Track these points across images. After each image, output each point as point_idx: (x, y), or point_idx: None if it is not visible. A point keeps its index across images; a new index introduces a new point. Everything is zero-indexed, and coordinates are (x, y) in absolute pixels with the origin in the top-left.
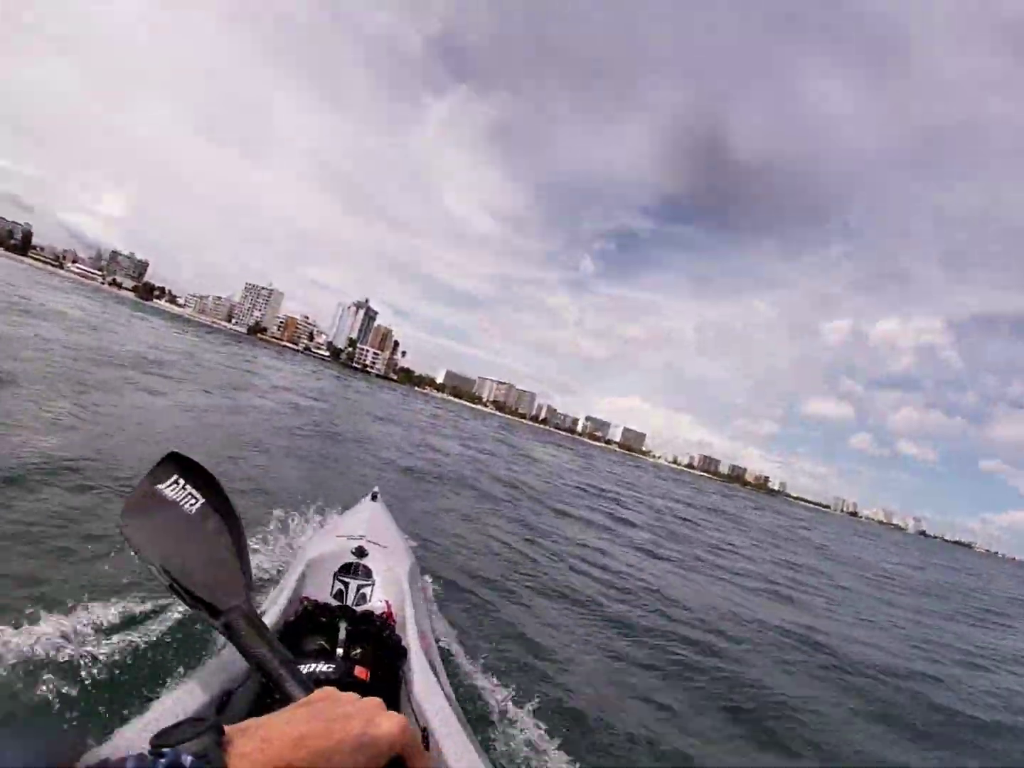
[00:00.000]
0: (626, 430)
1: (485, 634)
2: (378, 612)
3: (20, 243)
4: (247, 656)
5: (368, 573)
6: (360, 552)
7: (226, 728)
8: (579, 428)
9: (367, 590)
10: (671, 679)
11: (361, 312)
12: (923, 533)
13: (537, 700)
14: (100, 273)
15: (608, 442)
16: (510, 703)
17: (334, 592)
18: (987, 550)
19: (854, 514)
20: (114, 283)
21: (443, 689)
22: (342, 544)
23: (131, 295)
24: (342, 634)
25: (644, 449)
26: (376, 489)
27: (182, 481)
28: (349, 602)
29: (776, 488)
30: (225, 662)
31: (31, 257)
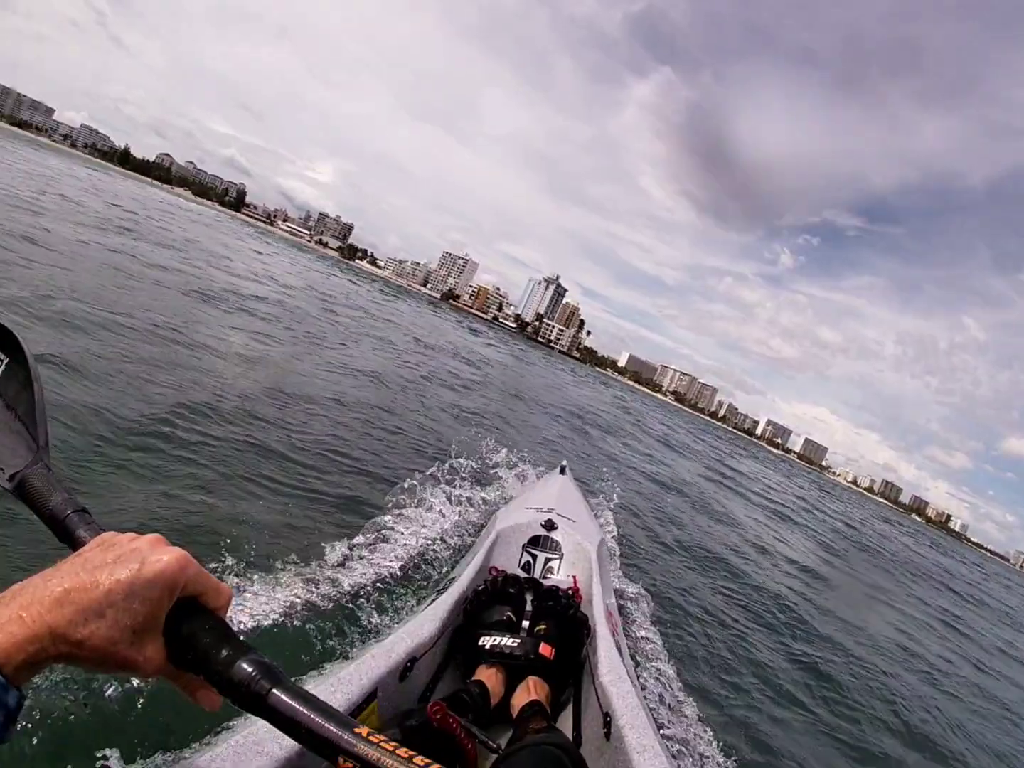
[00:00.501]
0: (808, 441)
1: (677, 626)
2: (564, 587)
3: (234, 201)
4: (40, 514)
5: (556, 546)
6: (549, 525)
7: None
8: (758, 431)
9: (555, 563)
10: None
11: (551, 288)
12: None
13: (722, 716)
14: (308, 232)
15: (787, 451)
16: (695, 708)
17: (522, 564)
18: None
19: None
20: (320, 242)
21: (628, 674)
22: (532, 516)
23: (335, 254)
24: (528, 607)
25: (824, 464)
26: (564, 463)
27: None
28: (536, 574)
29: (956, 529)
30: (411, 632)
31: (244, 214)
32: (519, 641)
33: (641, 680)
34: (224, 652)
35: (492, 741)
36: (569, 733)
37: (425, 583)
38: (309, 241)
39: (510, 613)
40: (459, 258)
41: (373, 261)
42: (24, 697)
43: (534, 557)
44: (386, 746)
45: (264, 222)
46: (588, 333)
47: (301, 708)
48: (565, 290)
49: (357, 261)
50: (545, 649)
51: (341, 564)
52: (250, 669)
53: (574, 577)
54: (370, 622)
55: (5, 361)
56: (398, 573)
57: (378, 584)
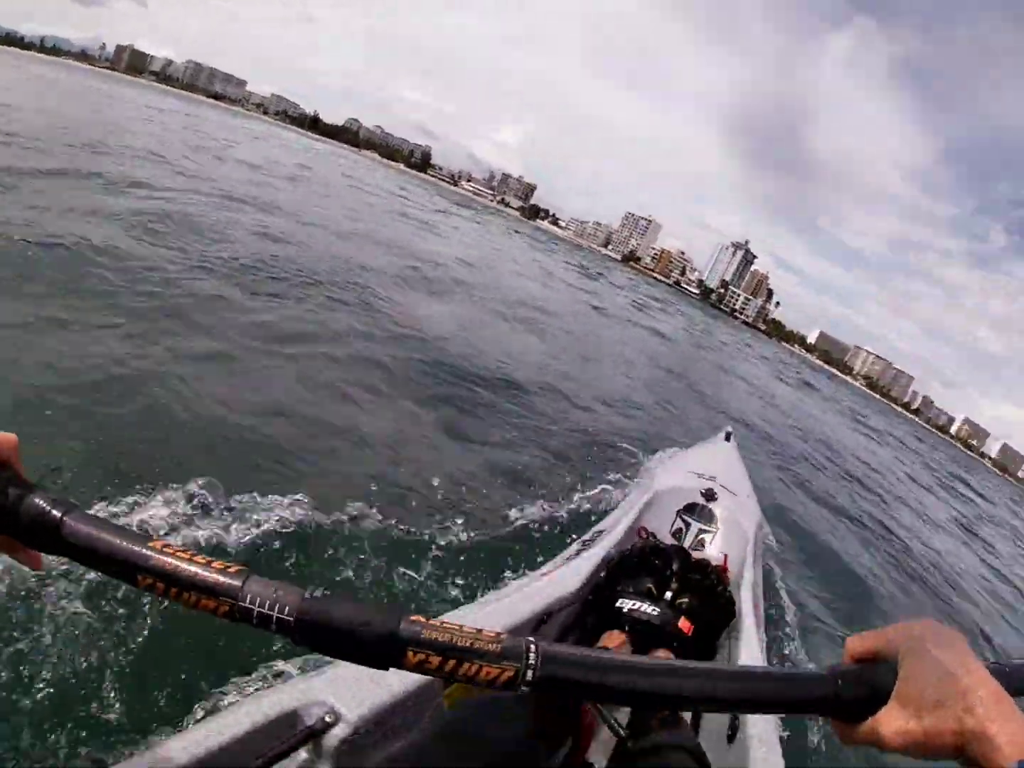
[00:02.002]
0: (1005, 446)
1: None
2: (714, 563)
3: (420, 162)
4: None
5: (712, 518)
6: (709, 495)
7: None
8: (952, 428)
9: (707, 536)
10: None
11: (739, 254)
12: None
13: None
14: (491, 192)
15: (982, 455)
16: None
17: (673, 529)
18: None
19: None
20: (502, 201)
21: None
22: (692, 481)
23: (516, 213)
24: (673, 582)
25: (1021, 475)
26: (730, 429)
27: None
28: (686, 543)
29: None
30: (553, 583)
31: (429, 174)
32: (659, 611)
33: None
34: (10, 496)
35: (615, 719)
36: (689, 722)
37: (574, 535)
38: (491, 200)
39: (651, 584)
40: (642, 219)
41: (555, 221)
42: None
43: (687, 525)
44: (182, 554)
45: (448, 182)
46: (777, 304)
47: (95, 532)
48: (754, 256)
49: (539, 221)
50: (684, 624)
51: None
52: (39, 502)
53: (725, 555)
54: (514, 567)
55: None
56: (555, 520)
57: (533, 528)
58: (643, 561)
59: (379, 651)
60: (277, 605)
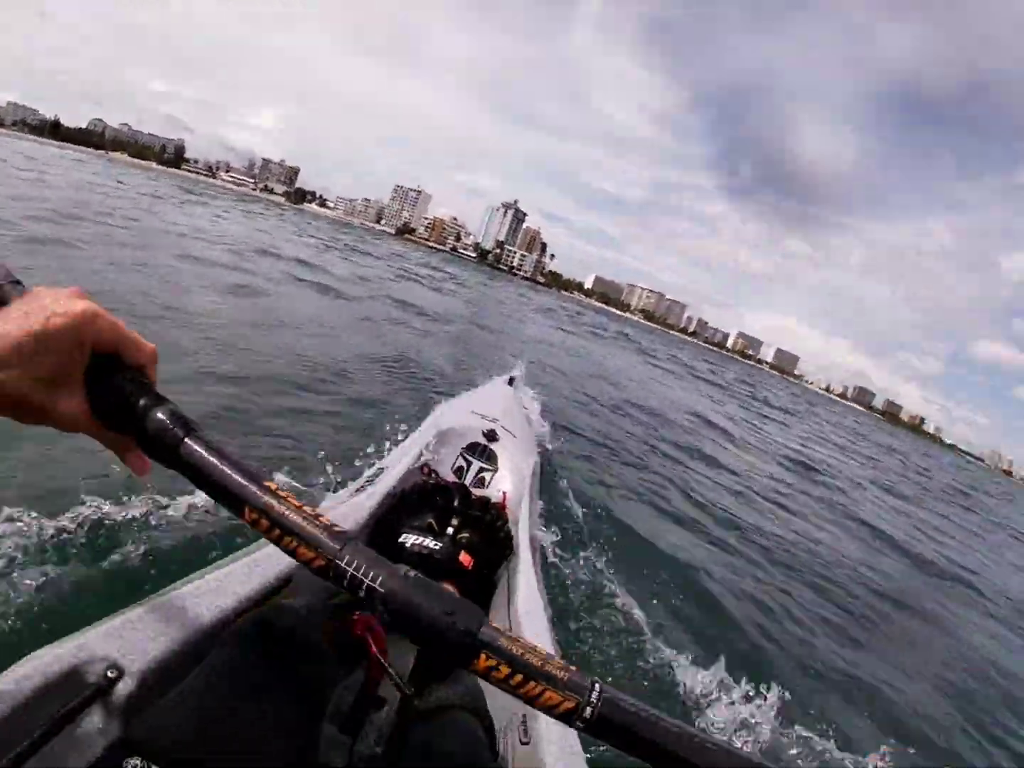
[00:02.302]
0: (779, 351)
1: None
2: (493, 501)
3: (173, 157)
4: None
5: (493, 458)
6: (491, 435)
7: None
8: (729, 344)
9: (487, 475)
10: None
11: (510, 213)
12: None
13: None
14: (252, 181)
15: (759, 361)
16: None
17: (455, 468)
18: None
19: (1008, 472)
20: (265, 188)
21: (544, 607)
22: (475, 422)
23: (282, 199)
24: (454, 518)
25: (797, 372)
26: (515, 373)
27: None
28: (467, 481)
29: (931, 432)
30: (335, 520)
31: (184, 169)
32: (440, 545)
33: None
34: (141, 403)
35: (398, 675)
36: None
37: (356, 474)
38: (254, 189)
39: (433, 520)
40: (411, 190)
41: (323, 203)
42: None
43: (468, 464)
44: (292, 501)
45: (206, 175)
46: (552, 257)
47: (211, 459)
48: (524, 215)
49: (305, 204)
50: (465, 558)
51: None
52: (164, 418)
53: (504, 494)
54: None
55: None
56: (330, 460)
57: (299, 468)
58: (425, 497)
59: (456, 648)
60: (371, 574)
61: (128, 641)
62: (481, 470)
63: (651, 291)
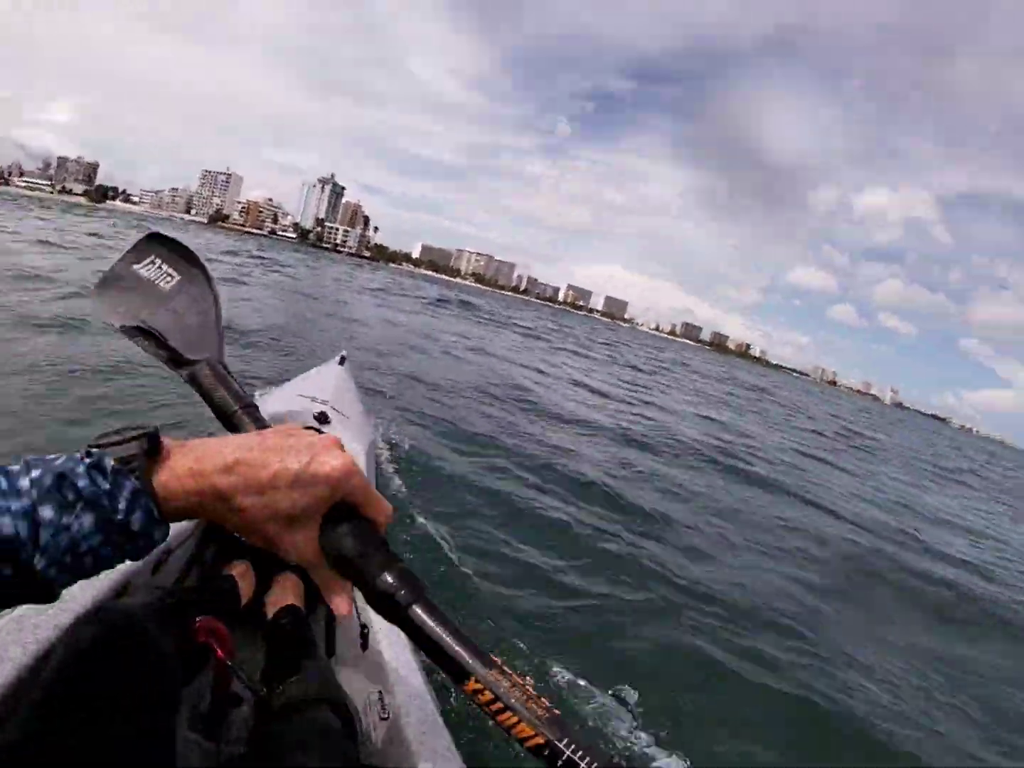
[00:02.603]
0: (608, 298)
1: (451, 531)
2: None
3: None
4: (210, 403)
5: None
6: (322, 418)
7: (166, 440)
8: (560, 297)
9: None
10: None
11: (327, 188)
12: (900, 404)
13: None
14: (49, 183)
15: (591, 310)
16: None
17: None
18: (962, 426)
19: (833, 383)
20: (63, 190)
21: None
22: (304, 405)
23: (82, 200)
24: None
25: (627, 317)
26: (344, 353)
27: (159, 261)
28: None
29: (758, 356)
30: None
31: None
32: None
33: None
34: (374, 559)
35: (250, 678)
36: (322, 638)
37: None
38: (51, 192)
39: None
40: (221, 174)
41: (127, 198)
42: (167, 535)
43: None
44: (516, 678)
45: None
46: (376, 230)
47: (438, 628)
48: (343, 188)
49: (108, 202)
50: None
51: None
52: (394, 581)
53: None
54: None
55: (183, 277)
56: None
57: None
58: None
59: None
60: (587, 758)
61: None
62: None
63: (480, 254)
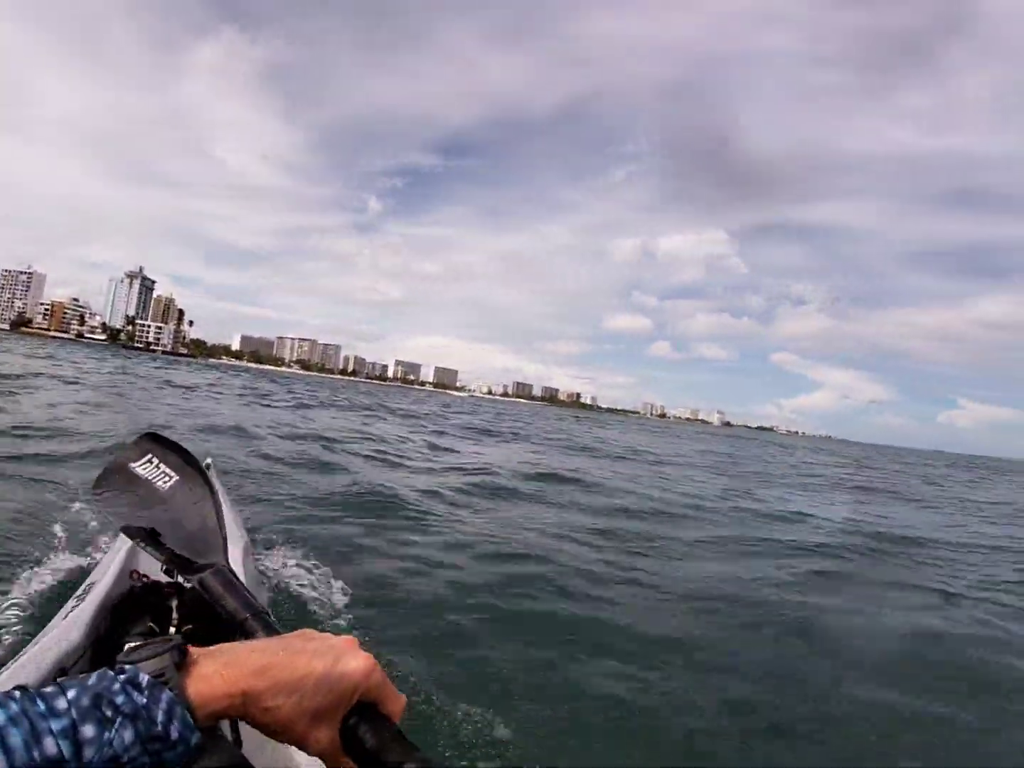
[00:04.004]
0: (438, 368)
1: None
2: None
3: None
4: (220, 609)
5: None
6: None
7: (191, 649)
8: (390, 374)
9: None
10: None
11: (136, 283)
12: (727, 423)
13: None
14: None
15: (422, 384)
16: None
17: (166, 568)
18: (788, 431)
19: (663, 415)
20: None
21: None
22: None
23: None
24: (174, 614)
25: (459, 384)
26: (210, 460)
27: (156, 460)
28: (180, 578)
29: (588, 403)
30: (56, 641)
31: None
32: (171, 643)
33: None
34: (392, 751)
35: None
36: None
37: (65, 592)
38: None
39: (152, 624)
40: (21, 272)
41: None
42: (202, 738)
43: None
44: None
45: None
46: (191, 323)
47: None
48: (153, 282)
49: None
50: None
51: None
52: None
53: None
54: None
55: (180, 477)
56: (45, 580)
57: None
58: (142, 602)
59: None
60: None
61: None
62: None
63: (303, 339)
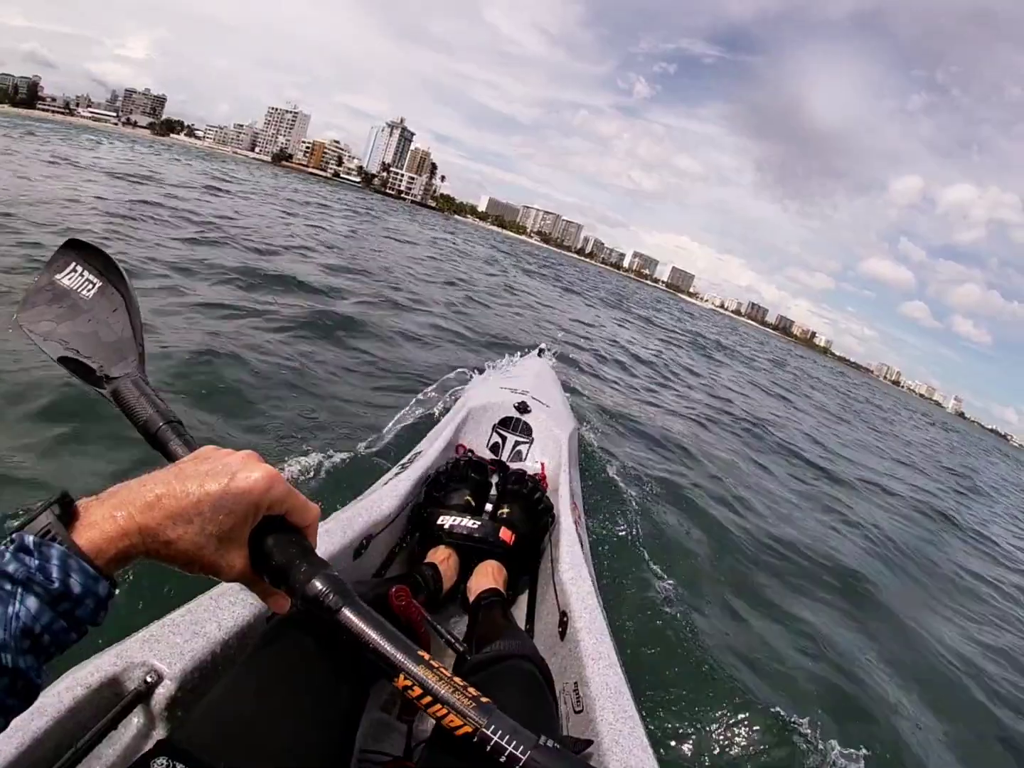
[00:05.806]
0: (675, 269)
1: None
2: (531, 473)
3: (27, 96)
4: (134, 421)
5: (528, 430)
6: (523, 407)
7: (80, 500)
8: (625, 264)
9: (524, 448)
10: None
11: (396, 133)
12: (961, 414)
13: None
14: (114, 115)
15: (656, 280)
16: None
17: (490, 444)
18: (1022, 444)
19: (896, 383)
20: (128, 122)
21: (589, 572)
22: (505, 396)
23: (147, 133)
24: (493, 490)
25: (692, 291)
26: (543, 345)
27: (80, 268)
28: (504, 457)
29: (823, 345)
30: (370, 508)
31: (39, 109)
32: (480, 523)
33: (601, 581)
34: (303, 568)
35: (452, 635)
36: (523, 624)
37: (389, 461)
38: (116, 123)
39: (470, 497)
40: (287, 112)
41: (191, 133)
42: (115, 586)
43: (503, 439)
44: (443, 671)
45: (62, 113)
46: (443, 179)
47: (368, 628)
48: (412, 134)
49: (173, 136)
50: (505, 534)
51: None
52: (323, 587)
53: (542, 464)
54: (328, 498)
55: (102, 283)
56: (362, 451)
57: (340, 462)
58: (462, 476)
59: None
60: (514, 742)
61: (166, 646)
62: (517, 443)
63: (547, 212)
